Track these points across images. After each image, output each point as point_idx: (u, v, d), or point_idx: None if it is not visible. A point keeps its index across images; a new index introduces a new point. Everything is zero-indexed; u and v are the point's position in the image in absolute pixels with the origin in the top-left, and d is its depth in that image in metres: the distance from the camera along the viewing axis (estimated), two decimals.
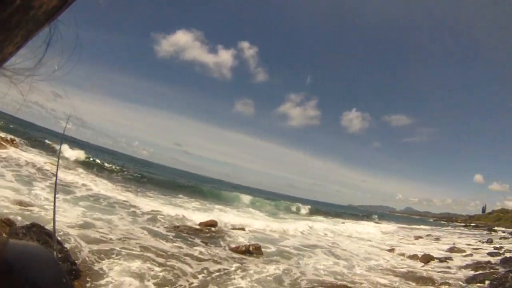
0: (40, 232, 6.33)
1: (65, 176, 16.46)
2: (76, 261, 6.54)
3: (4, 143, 20.65)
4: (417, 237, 26.85)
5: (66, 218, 9.38)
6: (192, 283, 7.27)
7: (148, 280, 6.82)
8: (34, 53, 0.48)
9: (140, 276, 6.89)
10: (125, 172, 30.00)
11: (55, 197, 2.52)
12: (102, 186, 17.63)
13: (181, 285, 7.00)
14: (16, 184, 11.56)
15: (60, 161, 20.44)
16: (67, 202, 11.33)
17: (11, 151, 18.76)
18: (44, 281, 0.66)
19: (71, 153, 27.78)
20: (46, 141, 35.33)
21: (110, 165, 31.76)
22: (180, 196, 24.96)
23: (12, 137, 25.88)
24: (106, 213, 11.52)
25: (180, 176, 59.88)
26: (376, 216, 67.37)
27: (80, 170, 22.38)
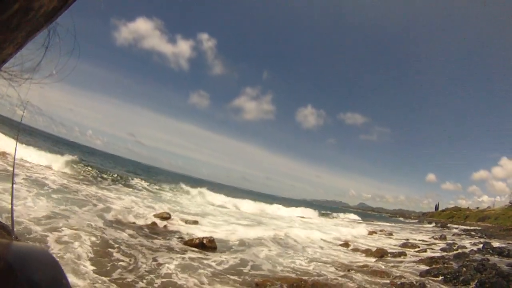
0: None
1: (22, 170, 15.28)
2: None
3: None
4: (371, 232, 27.25)
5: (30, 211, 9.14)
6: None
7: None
8: (33, 54, 0.49)
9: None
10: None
11: (12, 189, 2.07)
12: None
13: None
14: None
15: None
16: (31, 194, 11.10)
17: None
18: (45, 282, 0.66)
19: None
20: None
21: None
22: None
23: None
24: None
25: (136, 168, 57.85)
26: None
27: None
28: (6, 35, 0.40)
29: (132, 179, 27.68)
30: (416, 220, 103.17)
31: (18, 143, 3.56)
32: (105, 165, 42.45)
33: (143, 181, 28.73)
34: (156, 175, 56.92)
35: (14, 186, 11.12)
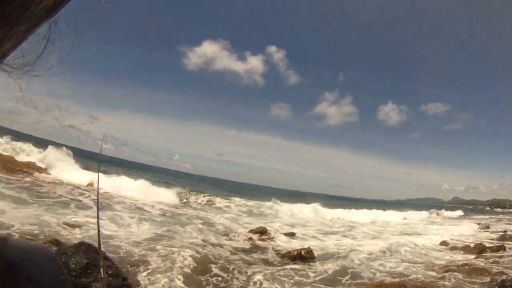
0: (88, 250, 6.37)
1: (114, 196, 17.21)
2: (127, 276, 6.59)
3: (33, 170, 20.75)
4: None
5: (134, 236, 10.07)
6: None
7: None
8: (33, 49, 0.49)
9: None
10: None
11: (98, 214, 2.47)
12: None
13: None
14: (62, 206, 12.31)
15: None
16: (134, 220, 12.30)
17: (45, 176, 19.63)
18: (45, 279, 0.67)
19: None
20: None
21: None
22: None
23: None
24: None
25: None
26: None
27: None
28: (6, 30, 0.41)
29: (227, 198, 28.80)
30: None
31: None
32: (198, 186, 44.78)
33: (237, 198, 29.93)
34: (249, 191, 58.85)
35: (100, 212, 12.42)
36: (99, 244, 2.45)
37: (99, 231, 2.28)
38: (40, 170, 20.14)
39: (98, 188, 3.29)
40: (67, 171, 21.51)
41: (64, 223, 9.65)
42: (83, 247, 6.39)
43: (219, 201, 25.63)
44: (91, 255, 6.23)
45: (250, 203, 28.06)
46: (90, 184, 18.58)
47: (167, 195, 21.92)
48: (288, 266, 9.38)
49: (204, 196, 26.77)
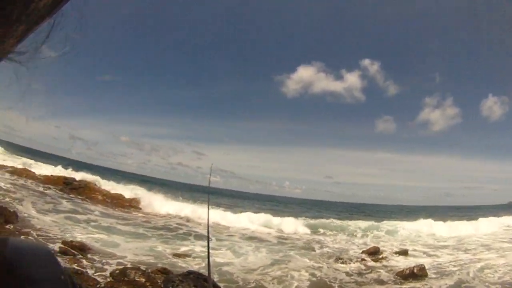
0: (197, 279, 6.55)
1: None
2: None
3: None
4: None
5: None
6: None
7: None
8: (35, 47, 0.49)
9: None
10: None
11: (208, 244, 2.77)
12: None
13: None
14: (173, 237, 12.99)
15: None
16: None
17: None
18: (43, 278, 0.67)
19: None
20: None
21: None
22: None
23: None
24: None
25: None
26: None
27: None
28: (7, 28, 0.41)
29: (340, 219, 27.95)
30: None
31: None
32: (311, 211, 44.42)
33: (350, 221, 28.83)
34: (361, 210, 57.13)
35: (216, 242, 12.87)
36: (209, 273, 2.57)
37: (209, 260, 2.45)
38: (144, 206, 21.63)
39: (208, 219, 3.44)
40: (172, 204, 22.70)
41: (174, 254, 10.27)
42: (192, 276, 6.62)
43: (333, 224, 25.00)
44: (199, 283, 6.43)
45: (363, 223, 26.84)
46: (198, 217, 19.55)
47: (286, 224, 21.88)
48: (402, 286, 8.77)
49: (316, 219, 26.39)
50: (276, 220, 22.25)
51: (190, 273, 6.84)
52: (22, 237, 8.46)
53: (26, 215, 11.86)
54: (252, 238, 15.57)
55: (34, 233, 9.52)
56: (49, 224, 11.45)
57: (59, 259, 0.76)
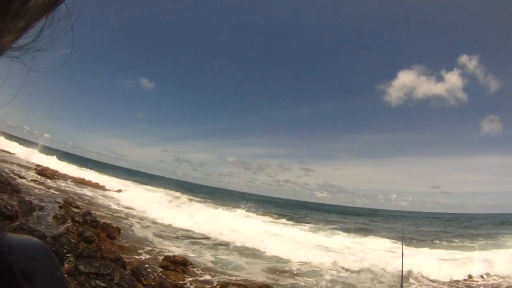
0: None
1: None
2: None
3: None
4: None
5: None
6: None
7: None
8: (33, 43, 0.48)
9: None
10: None
11: (402, 271, 3.09)
12: None
13: None
14: None
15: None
16: None
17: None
18: (39, 274, 0.66)
19: None
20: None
21: None
22: None
23: None
24: None
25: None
26: None
27: None
28: (6, 23, 0.40)
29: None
30: None
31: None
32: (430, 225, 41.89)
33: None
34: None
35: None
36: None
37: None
38: None
39: (402, 252, 2.98)
40: None
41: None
42: None
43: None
44: None
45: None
46: None
47: None
48: None
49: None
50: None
51: None
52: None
53: (130, 232, 12.46)
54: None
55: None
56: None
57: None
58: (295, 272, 10.97)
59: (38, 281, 0.64)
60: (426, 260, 13.49)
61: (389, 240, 19.86)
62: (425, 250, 17.26)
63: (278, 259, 12.52)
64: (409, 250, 15.58)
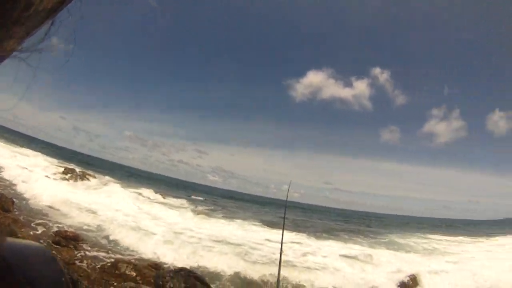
0: (187, 276, 6.60)
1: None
2: None
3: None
4: None
5: None
6: None
7: None
8: (34, 49, 0.49)
9: None
10: None
11: (280, 257, 2.93)
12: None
13: None
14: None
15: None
16: None
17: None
18: (43, 280, 0.66)
19: None
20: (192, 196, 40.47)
21: None
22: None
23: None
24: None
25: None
26: None
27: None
28: (7, 30, 0.41)
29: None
30: None
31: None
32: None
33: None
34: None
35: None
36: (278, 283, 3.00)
37: (279, 273, 2.83)
38: None
39: (283, 230, 3.46)
40: None
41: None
42: (183, 272, 6.68)
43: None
44: (190, 280, 6.49)
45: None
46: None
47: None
48: None
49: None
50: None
51: (181, 269, 6.89)
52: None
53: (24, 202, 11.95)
54: None
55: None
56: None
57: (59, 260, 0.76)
58: None
59: (41, 285, 0.65)
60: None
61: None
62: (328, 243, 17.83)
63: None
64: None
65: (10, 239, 0.68)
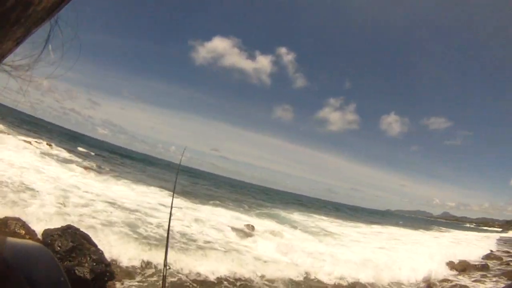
0: (74, 234, 6.48)
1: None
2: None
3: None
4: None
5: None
6: None
7: None
8: (33, 49, 0.48)
9: None
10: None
11: (169, 227, 2.94)
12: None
13: None
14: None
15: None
16: None
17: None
18: (43, 279, 0.66)
19: None
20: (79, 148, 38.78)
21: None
22: None
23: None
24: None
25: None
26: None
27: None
28: (6, 30, 0.40)
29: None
30: (500, 229, 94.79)
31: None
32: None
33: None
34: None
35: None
36: (166, 253, 2.77)
37: (167, 246, 2.75)
38: None
39: (172, 201, 3.40)
40: None
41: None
42: (70, 231, 6.51)
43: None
44: (77, 239, 6.37)
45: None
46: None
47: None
48: None
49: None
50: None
51: (68, 227, 6.69)
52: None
53: None
54: None
55: None
56: None
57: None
58: None
59: (41, 285, 0.64)
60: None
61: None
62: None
63: None
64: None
65: (9, 239, 0.69)
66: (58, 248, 6.07)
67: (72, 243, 6.21)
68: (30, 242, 0.76)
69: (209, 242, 11.04)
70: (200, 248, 9.94)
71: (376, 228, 33.01)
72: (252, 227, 15.23)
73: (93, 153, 40.66)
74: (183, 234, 11.03)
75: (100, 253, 6.50)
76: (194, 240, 10.74)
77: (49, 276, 0.69)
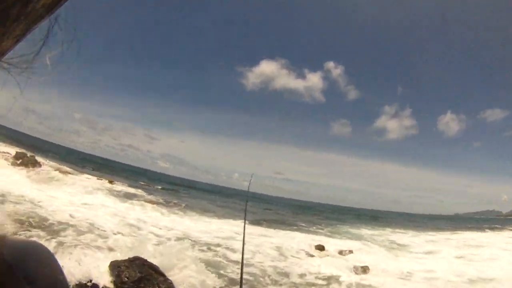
0: (142, 265, 6.51)
1: None
2: None
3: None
4: None
5: None
6: None
7: None
8: (32, 47, 0.48)
9: None
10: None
11: (242, 255, 2.88)
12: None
13: None
14: None
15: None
16: None
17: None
18: (42, 278, 0.65)
19: None
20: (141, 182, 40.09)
21: None
22: None
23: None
24: None
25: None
26: None
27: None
28: (5, 28, 0.40)
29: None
30: None
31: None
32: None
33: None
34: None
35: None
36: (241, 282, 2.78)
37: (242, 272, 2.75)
38: None
39: (244, 226, 3.40)
40: None
41: None
42: (137, 262, 6.56)
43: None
44: (144, 269, 6.39)
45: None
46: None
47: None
48: None
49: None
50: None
51: (135, 259, 6.76)
52: None
53: None
54: None
55: None
56: None
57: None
58: None
59: (41, 284, 0.64)
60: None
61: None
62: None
63: None
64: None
65: (9, 237, 0.68)
66: (126, 279, 6.14)
67: (140, 273, 6.24)
68: (29, 240, 0.75)
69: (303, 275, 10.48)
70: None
71: (446, 234, 30.06)
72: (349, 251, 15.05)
73: (159, 186, 42.07)
74: (275, 267, 10.67)
75: (169, 283, 6.50)
76: (287, 275, 10.24)
77: (48, 274, 0.68)
